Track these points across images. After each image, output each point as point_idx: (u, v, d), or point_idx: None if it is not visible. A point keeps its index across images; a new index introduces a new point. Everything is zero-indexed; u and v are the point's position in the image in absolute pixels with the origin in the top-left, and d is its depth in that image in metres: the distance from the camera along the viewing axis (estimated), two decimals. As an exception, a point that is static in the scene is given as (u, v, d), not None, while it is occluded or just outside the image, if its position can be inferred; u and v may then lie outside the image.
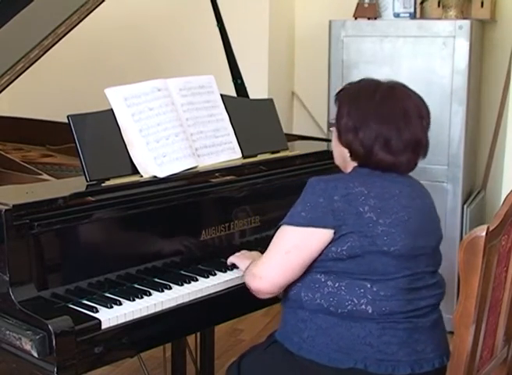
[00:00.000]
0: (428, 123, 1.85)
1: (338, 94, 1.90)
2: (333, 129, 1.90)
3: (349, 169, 1.87)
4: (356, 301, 1.73)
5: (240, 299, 2.02)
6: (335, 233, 1.73)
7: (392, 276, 1.74)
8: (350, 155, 1.83)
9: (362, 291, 1.73)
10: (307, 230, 1.75)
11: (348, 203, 1.73)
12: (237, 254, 2.07)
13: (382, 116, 1.78)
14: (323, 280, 1.77)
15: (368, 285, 1.73)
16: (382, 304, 1.73)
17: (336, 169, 2.41)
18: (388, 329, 1.73)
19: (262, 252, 2.05)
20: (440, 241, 1.89)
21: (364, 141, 1.78)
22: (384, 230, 1.72)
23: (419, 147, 1.82)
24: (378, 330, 1.73)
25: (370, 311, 1.72)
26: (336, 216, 1.72)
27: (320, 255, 1.76)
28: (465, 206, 3.45)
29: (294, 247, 1.77)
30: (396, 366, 1.73)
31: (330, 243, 1.74)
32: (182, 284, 1.93)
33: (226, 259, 2.09)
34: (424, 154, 1.86)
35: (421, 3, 3.67)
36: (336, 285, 1.75)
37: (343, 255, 1.73)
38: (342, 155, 1.88)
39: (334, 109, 1.90)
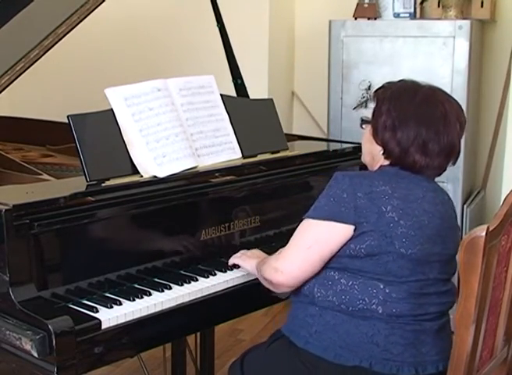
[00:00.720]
0: (463, 129, 1.84)
1: (377, 91, 1.88)
2: (366, 126, 1.89)
3: (375, 168, 1.87)
4: (367, 301, 1.73)
5: (239, 299, 2.02)
6: (355, 230, 1.73)
7: (405, 279, 1.74)
8: (383, 153, 1.82)
9: (375, 291, 1.73)
10: (329, 224, 1.75)
11: (371, 201, 1.73)
12: (237, 255, 2.06)
13: (423, 118, 1.77)
14: (337, 277, 1.77)
15: (381, 286, 1.73)
16: (392, 305, 1.73)
17: (337, 168, 2.41)
18: (396, 329, 1.74)
19: (263, 251, 2.05)
20: (457, 250, 1.84)
21: (402, 141, 1.77)
22: (403, 232, 1.72)
23: (453, 152, 1.82)
24: (386, 329, 1.73)
25: (380, 311, 1.73)
26: (357, 213, 1.73)
27: (338, 251, 1.77)
28: (465, 206, 3.45)
29: (315, 241, 1.77)
30: (400, 366, 1.73)
31: (349, 240, 1.75)
32: (182, 284, 1.93)
33: (226, 259, 2.09)
34: (455, 160, 1.85)
35: (421, 3, 3.67)
36: (350, 283, 1.75)
37: (360, 253, 1.73)
38: (372, 153, 1.87)
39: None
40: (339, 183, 1.77)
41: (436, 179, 1.89)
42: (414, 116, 1.77)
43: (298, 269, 1.79)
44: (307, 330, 1.80)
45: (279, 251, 1.87)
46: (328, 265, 1.79)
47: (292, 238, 1.83)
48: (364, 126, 1.92)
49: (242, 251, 2.08)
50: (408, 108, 1.78)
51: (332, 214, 1.75)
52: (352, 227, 1.73)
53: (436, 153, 1.78)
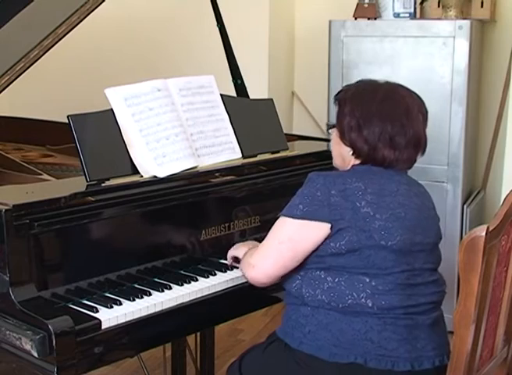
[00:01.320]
0: (426, 120, 1.89)
1: (337, 95, 1.92)
2: (333, 130, 1.93)
3: (346, 169, 1.89)
4: (356, 296, 1.74)
5: (239, 299, 2.03)
6: (331, 227, 1.75)
7: (390, 270, 1.76)
8: (353, 153, 1.85)
9: (361, 285, 1.75)
10: (303, 222, 1.78)
11: (345, 198, 1.75)
12: (233, 247, 2.08)
13: (386, 113, 1.81)
14: (323, 276, 1.79)
15: (367, 280, 1.75)
16: (381, 298, 1.74)
17: (337, 169, 2.40)
18: (389, 325, 1.75)
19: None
20: (439, 240, 1.90)
21: (369, 139, 1.81)
22: (381, 225, 1.75)
23: (420, 143, 1.85)
24: (379, 325, 1.74)
25: (370, 305, 1.74)
26: (332, 211, 1.75)
27: (318, 250, 1.79)
28: (465, 206, 3.45)
29: (288, 238, 1.80)
30: (395, 362, 1.74)
31: (328, 238, 1.77)
32: (182, 284, 1.93)
33: (227, 259, 2.10)
34: (423, 151, 1.89)
35: (421, 3, 3.67)
36: (336, 280, 1.77)
37: (341, 250, 1.75)
38: (342, 155, 1.90)
39: (334, 111, 1.91)
40: (314, 183, 1.80)
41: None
42: (377, 113, 1.81)
43: (270, 264, 1.82)
44: (301, 331, 1.81)
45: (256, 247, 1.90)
46: (312, 265, 1.81)
47: (267, 236, 1.86)
48: (330, 130, 1.97)
49: (237, 244, 2.10)
50: (370, 107, 1.82)
51: (306, 213, 1.77)
52: (327, 225, 1.76)
53: (404, 146, 1.81)
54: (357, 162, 1.86)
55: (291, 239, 1.80)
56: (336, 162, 1.95)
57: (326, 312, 1.77)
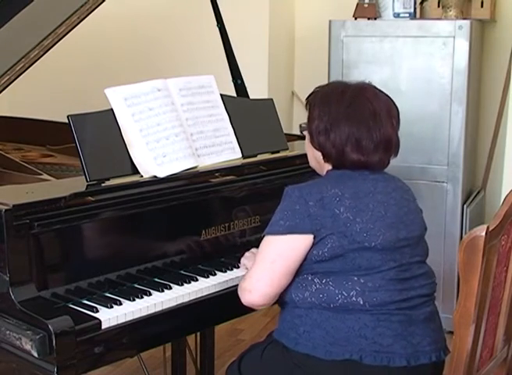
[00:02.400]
0: (398, 122, 1.87)
1: (308, 97, 1.92)
2: (305, 132, 1.93)
3: (323, 173, 1.90)
4: (346, 294, 1.75)
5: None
6: (314, 237, 1.76)
7: (377, 269, 1.76)
8: (323, 157, 1.86)
9: (350, 283, 1.75)
10: (288, 237, 1.78)
11: (323, 207, 1.75)
12: (247, 254, 2.07)
13: (352, 117, 1.80)
14: (310, 278, 1.80)
15: (355, 278, 1.75)
16: (371, 294, 1.74)
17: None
18: (382, 321, 1.75)
19: None
20: (424, 232, 1.90)
21: (336, 143, 1.81)
22: (362, 228, 1.75)
23: (390, 146, 1.84)
24: (372, 321, 1.74)
25: (361, 302, 1.74)
26: (312, 221, 1.75)
27: (304, 259, 1.79)
28: (465, 206, 3.45)
29: (278, 256, 1.79)
30: (391, 358, 1.74)
31: (311, 247, 1.77)
32: (182, 284, 1.93)
33: (226, 259, 2.10)
34: (396, 152, 1.88)
35: (421, 3, 3.67)
36: (323, 281, 1.78)
37: (325, 257, 1.76)
38: (315, 158, 1.91)
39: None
40: (291, 197, 1.80)
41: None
42: (344, 117, 1.80)
43: (266, 285, 1.79)
44: (296, 331, 1.81)
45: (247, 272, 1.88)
46: (299, 272, 1.81)
47: (256, 257, 1.85)
48: (303, 132, 1.97)
49: (253, 250, 2.07)
50: (337, 110, 1.81)
51: (289, 227, 1.77)
52: (311, 236, 1.76)
53: (372, 149, 1.80)
54: (330, 166, 1.87)
55: (280, 255, 1.79)
56: (312, 164, 1.96)
57: (319, 311, 1.78)
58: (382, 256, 1.76)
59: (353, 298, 1.74)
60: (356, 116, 1.80)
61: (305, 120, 1.94)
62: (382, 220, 1.77)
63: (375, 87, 1.89)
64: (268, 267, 1.79)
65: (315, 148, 1.87)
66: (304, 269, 1.80)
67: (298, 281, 1.81)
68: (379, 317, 1.75)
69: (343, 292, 1.75)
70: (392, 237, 1.78)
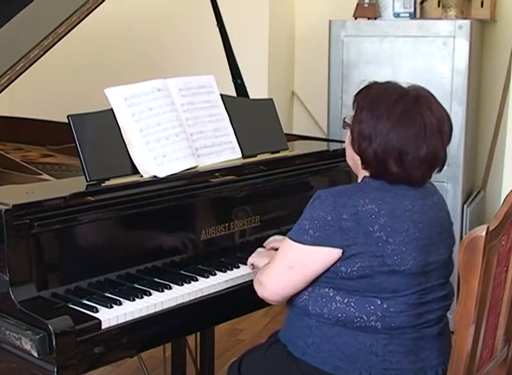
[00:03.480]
0: (449, 139, 1.77)
1: (358, 95, 1.80)
2: (347, 130, 1.82)
3: (359, 175, 1.82)
4: (365, 318, 1.70)
5: (239, 299, 2.02)
6: (343, 252, 1.69)
7: (402, 293, 1.71)
8: (362, 163, 1.77)
9: (372, 307, 1.70)
10: (314, 248, 1.72)
11: (357, 222, 1.67)
12: (254, 254, 2.05)
13: (401, 131, 1.69)
14: (331, 294, 1.74)
15: (379, 302, 1.70)
16: (391, 320, 1.70)
17: (337, 169, 2.41)
18: (395, 339, 1.72)
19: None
20: (452, 250, 1.84)
21: (378, 153, 1.70)
22: (394, 250, 1.68)
23: (436, 162, 1.76)
24: (385, 339, 1.71)
25: (379, 327, 1.71)
26: (344, 236, 1.68)
27: (329, 272, 1.73)
28: (465, 206, 3.45)
29: (298, 263, 1.74)
30: (400, 374, 1.72)
31: (338, 261, 1.71)
32: (182, 284, 1.93)
33: (226, 259, 2.10)
34: (441, 168, 1.80)
35: (421, 3, 3.67)
36: (345, 301, 1.72)
37: (353, 275, 1.70)
38: (353, 159, 1.81)
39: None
40: (323, 205, 1.71)
41: (436, 179, 1.87)
42: (392, 129, 1.69)
43: (279, 287, 1.78)
44: (304, 341, 1.77)
45: (269, 261, 1.85)
46: (321, 283, 1.75)
47: (277, 254, 1.82)
48: (346, 127, 1.84)
49: (259, 250, 2.07)
50: (386, 121, 1.70)
51: (318, 238, 1.70)
52: (339, 250, 1.69)
53: (417, 165, 1.71)
54: (367, 173, 1.77)
55: (301, 264, 1.74)
56: (349, 162, 1.86)
57: (331, 326, 1.74)
58: (408, 281, 1.71)
59: (372, 323, 1.70)
60: (404, 131, 1.69)
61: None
62: (414, 243, 1.70)
63: (431, 98, 1.77)
64: (285, 271, 1.76)
65: (355, 151, 1.77)
66: (327, 282, 1.74)
67: (318, 294, 1.75)
68: (393, 335, 1.71)
69: (364, 316, 1.70)
70: (422, 262, 1.71)
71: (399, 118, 1.70)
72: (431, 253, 1.74)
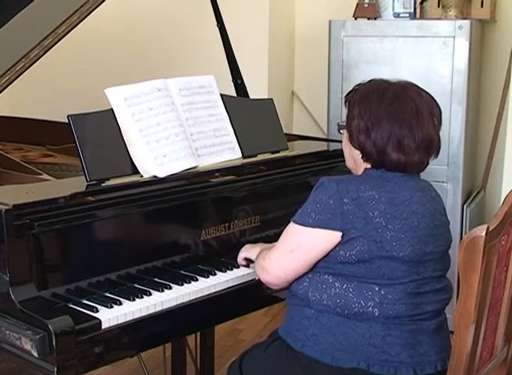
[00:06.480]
0: (440, 123, 1.84)
1: (348, 95, 1.88)
2: (343, 131, 1.89)
3: (360, 172, 1.86)
4: (363, 304, 1.73)
5: (240, 299, 2.02)
6: (343, 236, 1.73)
7: (400, 280, 1.74)
8: (362, 156, 1.82)
9: (370, 293, 1.73)
10: (314, 230, 1.76)
11: (358, 207, 1.72)
12: (242, 249, 2.08)
13: (394, 116, 1.76)
14: (331, 281, 1.78)
15: (376, 288, 1.73)
16: (388, 307, 1.73)
17: (337, 169, 2.41)
18: (393, 330, 1.74)
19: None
20: (449, 246, 1.87)
21: (377, 142, 1.77)
22: (393, 236, 1.72)
23: (431, 146, 1.81)
24: (383, 330, 1.73)
25: (376, 314, 1.73)
26: (344, 219, 1.73)
27: (328, 256, 1.77)
28: (465, 206, 3.45)
29: (299, 246, 1.79)
30: (398, 367, 1.73)
31: (338, 246, 1.75)
32: (182, 284, 1.93)
33: (226, 259, 2.10)
34: (437, 154, 1.85)
35: (421, 3, 3.67)
36: (344, 287, 1.75)
37: (351, 259, 1.74)
38: (353, 157, 1.87)
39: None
40: (326, 189, 1.77)
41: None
42: (386, 116, 1.76)
43: (281, 271, 1.83)
44: (304, 333, 1.80)
45: (271, 247, 1.90)
46: (321, 269, 1.80)
47: (279, 240, 1.86)
48: (341, 131, 1.93)
49: (246, 246, 2.10)
50: (379, 109, 1.77)
51: (319, 221, 1.75)
52: (339, 234, 1.74)
53: (414, 149, 1.77)
54: (369, 165, 1.83)
55: (301, 247, 1.78)
56: (349, 164, 1.93)
57: (330, 315, 1.76)
58: (407, 268, 1.74)
59: (369, 309, 1.73)
60: (398, 115, 1.76)
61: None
62: (413, 231, 1.75)
63: (417, 86, 1.85)
64: (286, 255, 1.81)
65: (355, 147, 1.83)
66: (326, 268, 1.78)
67: (318, 281, 1.79)
68: (390, 326, 1.74)
69: (361, 301, 1.73)
70: (420, 251, 1.75)
71: (391, 102, 1.78)
72: (428, 243, 1.78)
